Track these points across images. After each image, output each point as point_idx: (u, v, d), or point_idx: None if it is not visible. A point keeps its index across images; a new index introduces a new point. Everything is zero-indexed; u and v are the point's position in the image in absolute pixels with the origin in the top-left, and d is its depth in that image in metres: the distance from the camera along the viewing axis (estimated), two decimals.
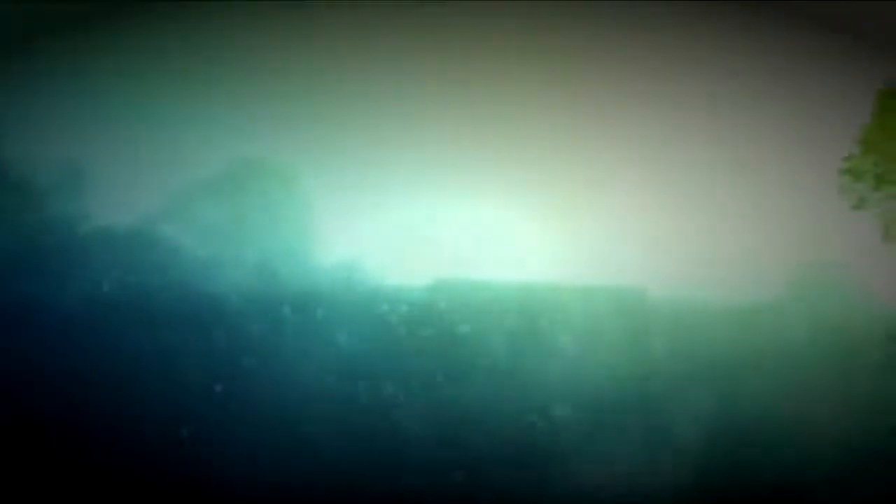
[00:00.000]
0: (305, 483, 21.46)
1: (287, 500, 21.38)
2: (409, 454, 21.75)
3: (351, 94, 22.73)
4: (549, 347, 22.67)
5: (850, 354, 22.48)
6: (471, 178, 22.77)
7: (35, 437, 21.46)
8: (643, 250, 22.65)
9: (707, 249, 22.55)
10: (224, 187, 23.07)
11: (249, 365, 22.34)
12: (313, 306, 22.87)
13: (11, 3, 22.73)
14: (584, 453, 21.72)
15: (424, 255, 22.96)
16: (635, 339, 22.52)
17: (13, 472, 21.07)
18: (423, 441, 21.80)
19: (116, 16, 23.23)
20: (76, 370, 21.78)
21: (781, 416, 22.18)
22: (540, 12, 22.88)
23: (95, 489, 21.13)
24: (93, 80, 23.25)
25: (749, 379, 22.28)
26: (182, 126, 22.73)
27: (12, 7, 22.71)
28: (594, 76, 22.92)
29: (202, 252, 22.87)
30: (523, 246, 23.08)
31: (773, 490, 21.40)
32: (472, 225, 23.02)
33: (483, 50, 22.82)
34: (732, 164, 22.82)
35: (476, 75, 22.84)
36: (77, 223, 23.01)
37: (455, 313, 22.90)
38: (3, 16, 22.60)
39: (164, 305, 22.57)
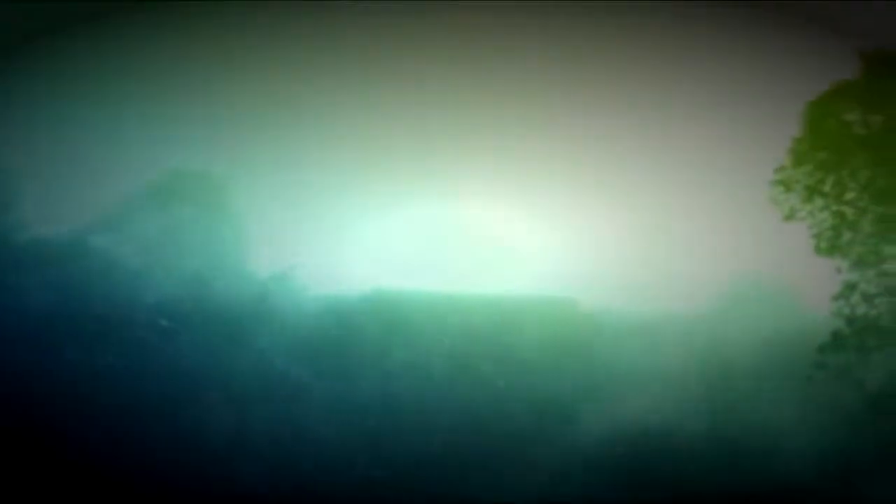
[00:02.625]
0: (232, 491, 21.45)
1: None
2: (337, 462, 21.80)
3: (283, 104, 22.71)
4: (484, 356, 22.73)
5: (781, 365, 22.61)
6: (406, 187, 22.80)
7: None
8: (576, 261, 22.71)
9: (639, 260, 22.65)
10: (157, 198, 23.01)
11: (183, 377, 22.28)
12: (247, 317, 22.85)
13: None
14: (514, 461, 21.78)
15: (358, 265, 22.96)
16: (568, 349, 22.60)
17: None
18: (351, 449, 21.85)
19: (50, 26, 23.13)
20: (4, 381, 21.68)
21: (714, 427, 22.30)
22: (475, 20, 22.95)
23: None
24: (26, 88, 23.14)
25: (681, 389, 22.38)
26: (115, 137, 22.65)
27: None
28: (530, 89, 22.99)
29: (135, 263, 22.79)
30: (459, 256, 23.12)
31: (701, 499, 21.51)
32: (407, 234, 23.05)
33: (417, 60, 22.86)
34: (665, 175, 22.92)
35: (411, 87, 22.88)
36: (9, 233, 22.89)
37: (389, 323, 22.92)
38: None
39: (97, 317, 22.49)
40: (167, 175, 22.99)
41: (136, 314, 22.37)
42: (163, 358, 22.21)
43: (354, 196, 22.86)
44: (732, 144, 22.90)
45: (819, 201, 22.67)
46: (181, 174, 22.98)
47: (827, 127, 22.56)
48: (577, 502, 21.28)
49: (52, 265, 22.62)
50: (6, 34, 22.92)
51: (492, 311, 22.55)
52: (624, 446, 21.79)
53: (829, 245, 22.64)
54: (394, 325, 22.88)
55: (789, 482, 21.70)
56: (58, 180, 22.83)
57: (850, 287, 22.56)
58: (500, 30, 22.78)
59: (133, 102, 22.90)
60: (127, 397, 21.95)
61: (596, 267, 22.40)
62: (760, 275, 22.97)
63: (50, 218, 22.75)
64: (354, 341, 22.84)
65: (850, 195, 22.58)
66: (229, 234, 22.99)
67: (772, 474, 21.77)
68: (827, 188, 22.61)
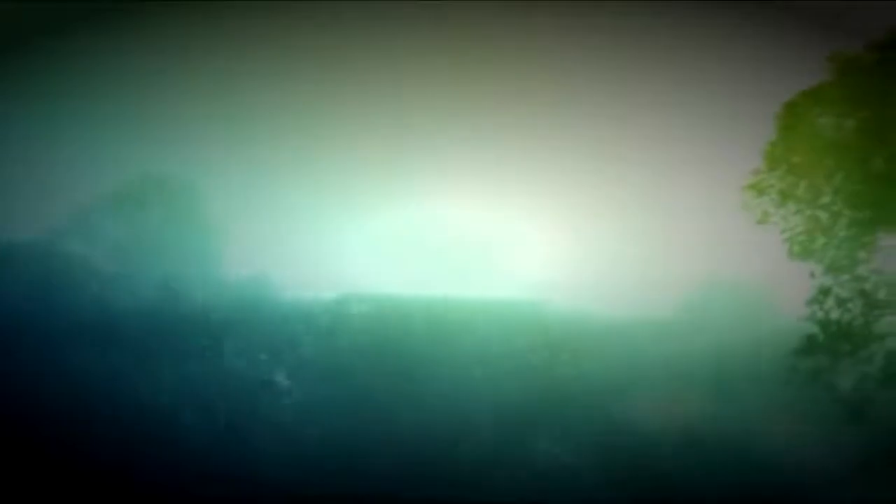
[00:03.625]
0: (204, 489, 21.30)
1: None
2: (310, 463, 21.68)
3: (256, 108, 22.58)
4: (452, 359, 22.65)
5: (755, 369, 22.59)
6: (376, 194, 22.72)
7: None
8: (550, 264, 22.66)
9: (614, 264, 22.61)
10: (128, 202, 22.84)
11: (152, 380, 22.12)
12: (219, 321, 22.71)
13: None
14: (481, 463, 21.69)
15: (330, 270, 22.86)
16: (538, 352, 22.53)
17: None
18: (326, 450, 21.75)
19: (21, 35, 22.92)
20: None
21: (688, 429, 22.28)
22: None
23: None
24: None
25: (655, 392, 22.35)
26: (87, 142, 22.52)
27: None
28: (502, 93, 22.92)
29: (106, 268, 22.62)
30: (432, 260, 23.04)
31: (675, 500, 21.47)
32: (377, 240, 22.96)
33: (393, 64, 22.76)
34: (640, 180, 22.89)
35: (379, 97, 22.80)
36: None
37: (360, 327, 22.82)
38: None
39: (67, 321, 22.30)
40: (138, 178, 22.84)
41: (106, 317, 22.18)
42: (134, 362, 22.05)
43: (328, 201, 22.76)
44: (707, 150, 22.90)
45: (793, 205, 22.56)
46: (152, 177, 22.82)
47: (800, 131, 22.45)
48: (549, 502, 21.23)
49: (21, 269, 22.43)
50: None
51: (465, 313, 22.47)
52: (597, 448, 21.73)
53: (803, 249, 22.53)
54: (366, 329, 22.79)
55: (763, 484, 21.69)
56: (27, 183, 22.66)
57: (824, 291, 22.45)
58: (469, 31, 22.70)
59: (104, 106, 22.77)
60: (97, 399, 21.79)
61: (570, 271, 22.36)
62: (735, 279, 22.97)
63: (19, 220, 22.56)
64: (326, 345, 22.74)
65: (823, 199, 22.47)
66: (201, 238, 22.83)
67: (746, 476, 21.74)
68: (800, 192, 22.50)
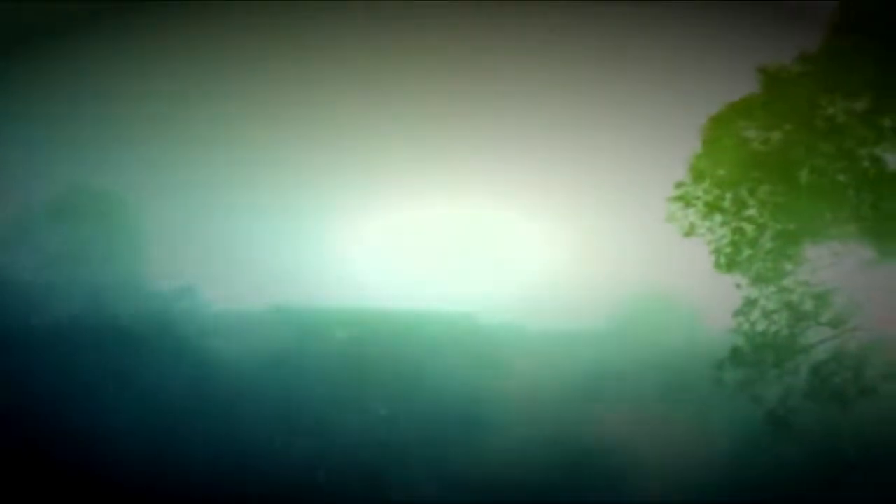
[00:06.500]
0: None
1: None
2: (236, 475, 21.77)
3: (186, 122, 22.71)
4: (383, 370, 22.74)
5: (680, 381, 22.65)
6: (306, 204, 22.82)
7: None
8: (476, 276, 22.76)
9: (539, 276, 22.68)
10: (59, 215, 22.97)
11: (80, 392, 22.19)
12: (148, 333, 22.81)
13: None
14: (404, 471, 21.77)
15: (260, 282, 22.98)
16: (467, 363, 22.61)
17: None
18: (253, 462, 21.84)
19: None
20: None
21: (612, 441, 22.31)
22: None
23: None
24: None
25: (579, 404, 22.41)
26: (15, 152, 22.62)
27: None
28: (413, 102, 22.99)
29: (35, 280, 22.75)
30: (360, 272, 23.13)
31: None
32: (308, 251, 23.05)
33: (319, 75, 22.89)
34: (566, 191, 22.97)
35: (316, 108, 22.91)
36: None
37: (290, 339, 22.92)
38: None
39: None
40: (67, 191, 22.97)
41: (34, 329, 22.31)
42: (61, 375, 22.13)
43: (258, 213, 22.88)
44: (633, 161, 22.96)
45: (718, 217, 22.65)
46: (82, 190, 22.96)
47: (726, 143, 22.55)
48: None
49: None
50: None
51: (390, 324, 22.56)
52: (520, 459, 21.75)
53: (729, 261, 22.61)
54: (296, 340, 22.90)
55: (687, 496, 21.69)
56: None
57: (751, 303, 22.53)
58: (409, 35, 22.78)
59: (38, 119, 22.87)
60: (22, 411, 21.88)
61: (496, 282, 22.43)
62: (661, 291, 23.01)
63: None
64: (257, 357, 22.84)
65: (749, 211, 22.56)
66: (132, 251, 22.95)
67: (669, 488, 21.76)
68: (726, 204, 22.59)
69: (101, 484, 21.28)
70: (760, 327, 22.42)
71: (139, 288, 22.89)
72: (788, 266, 22.49)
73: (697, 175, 22.73)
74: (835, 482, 21.60)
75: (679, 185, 22.75)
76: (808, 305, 22.37)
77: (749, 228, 22.58)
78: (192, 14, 22.89)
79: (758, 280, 22.55)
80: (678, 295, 22.87)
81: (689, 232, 22.75)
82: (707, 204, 22.67)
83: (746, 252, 22.59)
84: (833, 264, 22.10)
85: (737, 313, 22.47)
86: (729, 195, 22.64)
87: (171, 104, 22.74)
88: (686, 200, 22.73)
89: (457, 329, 22.77)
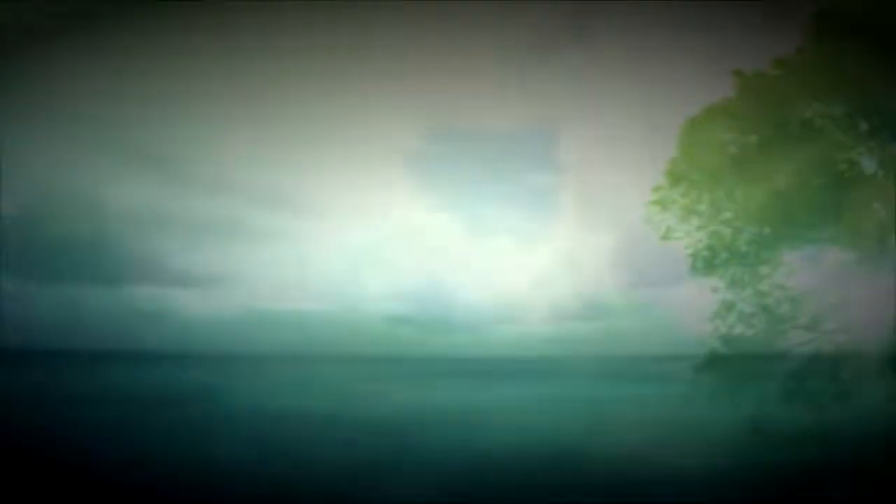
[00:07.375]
0: None
1: None
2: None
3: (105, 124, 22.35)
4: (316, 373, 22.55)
5: (657, 385, 22.61)
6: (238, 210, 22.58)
7: None
8: (454, 282, 22.63)
9: (507, 280, 22.58)
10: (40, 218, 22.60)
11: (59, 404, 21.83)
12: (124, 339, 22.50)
13: None
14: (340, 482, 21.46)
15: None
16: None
17: None
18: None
19: None
20: None
21: (587, 447, 22.19)
22: None
23: None
24: None
25: (550, 412, 22.32)
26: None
27: None
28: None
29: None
30: (295, 275, 22.86)
31: None
32: (242, 256, 22.80)
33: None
34: (539, 191, 22.90)
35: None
36: None
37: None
38: None
39: None
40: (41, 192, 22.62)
41: None
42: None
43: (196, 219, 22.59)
44: (611, 164, 22.94)
45: (695, 221, 22.69)
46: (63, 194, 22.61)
47: (702, 147, 22.59)
48: None
49: None
50: None
51: (329, 328, 22.28)
52: (481, 467, 21.53)
53: (706, 265, 22.67)
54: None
55: (663, 500, 21.61)
56: None
57: (727, 307, 22.59)
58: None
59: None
60: None
61: (454, 286, 22.29)
62: (638, 294, 22.99)
63: None
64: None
65: (725, 215, 22.62)
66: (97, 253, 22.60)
67: (646, 496, 21.67)
68: (703, 208, 22.64)
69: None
70: (737, 331, 22.50)
71: (115, 295, 22.55)
72: (765, 269, 22.57)
73: (674, 179, 22.78)
74: (812, 485, 21.63)
75: (656, 188, 22.80)
76: (785, 309, 22.45)
77: (726, 232, 22.65)
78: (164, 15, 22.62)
79: (734, 283, 22.62)
80: (654, 299, 22.84)
81: (667, 236, 22.79)
82: (684, 207, 22.72)
83: (723, 255, 22.65)
84: (810, 267, 22.22)
85: (713, 317, 22.54)
86: (706, 199, 22.70)
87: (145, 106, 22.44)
88: (664, 204, 22.78)
89: (401, 334, 22.54)
